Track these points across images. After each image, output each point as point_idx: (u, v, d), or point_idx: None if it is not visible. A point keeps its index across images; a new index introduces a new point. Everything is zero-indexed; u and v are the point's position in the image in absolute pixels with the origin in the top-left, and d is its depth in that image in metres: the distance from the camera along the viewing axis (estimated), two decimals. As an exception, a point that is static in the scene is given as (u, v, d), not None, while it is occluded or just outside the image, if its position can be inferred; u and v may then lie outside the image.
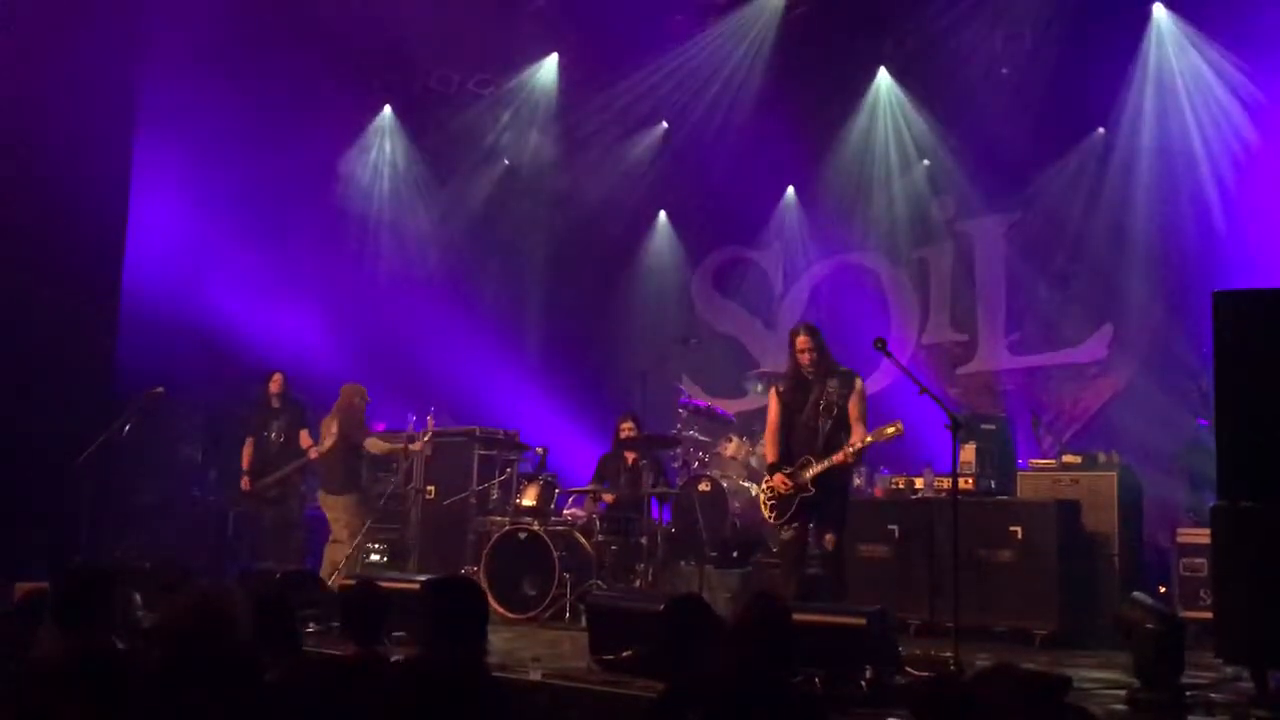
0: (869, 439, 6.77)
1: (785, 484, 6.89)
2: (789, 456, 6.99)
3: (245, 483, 9.62)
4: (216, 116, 10.16)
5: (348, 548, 9.29)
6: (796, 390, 7.07)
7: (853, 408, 6.92)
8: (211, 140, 10.34)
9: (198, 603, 3.61)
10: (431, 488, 9.83)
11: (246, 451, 9.67)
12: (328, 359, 11.98)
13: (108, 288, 10.06)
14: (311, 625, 6.98)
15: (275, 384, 9.65)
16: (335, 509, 9.52)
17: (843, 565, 6.98)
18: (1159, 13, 9.69)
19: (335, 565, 9.12)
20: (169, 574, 5.50)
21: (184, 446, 10.81)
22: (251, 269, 11.17)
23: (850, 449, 6.78)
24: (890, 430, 6.72)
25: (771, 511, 7.02)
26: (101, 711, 2.45)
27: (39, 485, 8.96)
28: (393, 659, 4.28)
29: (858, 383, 7.01)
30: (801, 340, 7.01)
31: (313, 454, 9.41)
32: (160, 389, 10.10)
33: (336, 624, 6.50)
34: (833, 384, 6.94)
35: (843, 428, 6.89)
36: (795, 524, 6.92)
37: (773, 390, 7.32)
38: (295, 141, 10.97)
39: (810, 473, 6.82)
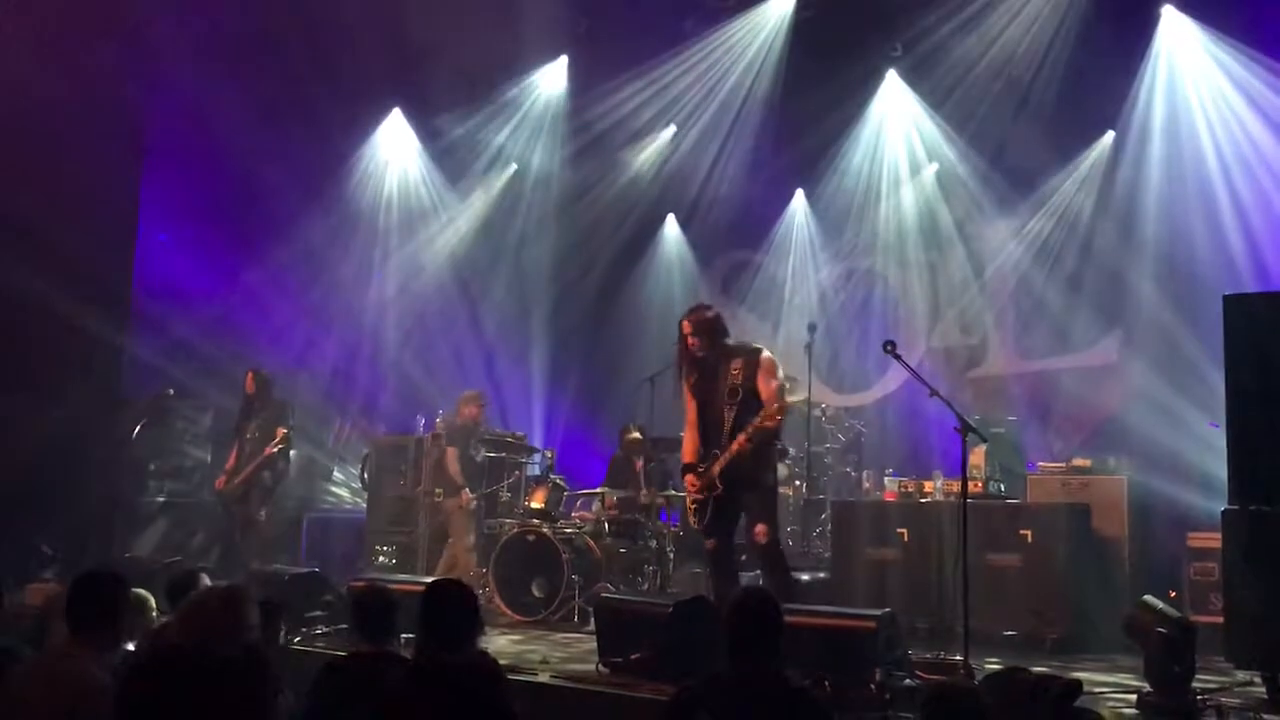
0: (766, 422, 6.01)
1: (693, 485, 6.31)
2: (705, 454, 6.36)
3: (219, 482, 9.60)
4: (225, 118, 10.18)
5: (458, 548, 9.46)
6: (702, 379, 6.37)
7: (761, 385, 6.20)
8: (220, 141, 10.36)
9: (214, 601, 3.62)
10: (440, 490, 9.84)
11: (232, 452, 9.66)
12: (336, 361, 12.01)
13: (117, 291, 10.09)
14: (321, 627, 7.03)
15: (249, 383, 9.58)
16: (445, 511, 9.68)
17: (780, 559, 6.37)
18: (1169, 14, 9.65)
19: (450, 566, 9.27)
20: (180, 575, 5.50)
21: (192, 448, 10.83)
22: (260, 271, 11.20)
23: (744, 433, 6.04)
24: (791, 400, 5.90)
25: (693, 516, 6.44)
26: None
27: (50, 487, 9.00)
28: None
29: (762, 356, 6.29)
30: (684, 325, 6.37)
31: (266, 452, 9.30)
32: (169, 391, 10.14)
33: (344, 625, 6.56)
34: (736, 365, 6.25)
35: (751, 411, 6.13)
36: (714, 534, 6.33)
37: (685, 384, 6.53)
38: (304, 144, 10.99)
39: (715, 469, 6.20)
